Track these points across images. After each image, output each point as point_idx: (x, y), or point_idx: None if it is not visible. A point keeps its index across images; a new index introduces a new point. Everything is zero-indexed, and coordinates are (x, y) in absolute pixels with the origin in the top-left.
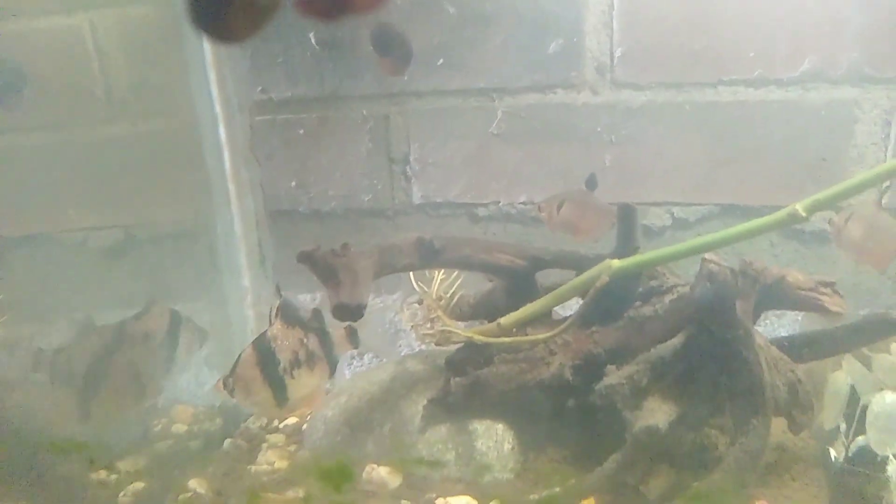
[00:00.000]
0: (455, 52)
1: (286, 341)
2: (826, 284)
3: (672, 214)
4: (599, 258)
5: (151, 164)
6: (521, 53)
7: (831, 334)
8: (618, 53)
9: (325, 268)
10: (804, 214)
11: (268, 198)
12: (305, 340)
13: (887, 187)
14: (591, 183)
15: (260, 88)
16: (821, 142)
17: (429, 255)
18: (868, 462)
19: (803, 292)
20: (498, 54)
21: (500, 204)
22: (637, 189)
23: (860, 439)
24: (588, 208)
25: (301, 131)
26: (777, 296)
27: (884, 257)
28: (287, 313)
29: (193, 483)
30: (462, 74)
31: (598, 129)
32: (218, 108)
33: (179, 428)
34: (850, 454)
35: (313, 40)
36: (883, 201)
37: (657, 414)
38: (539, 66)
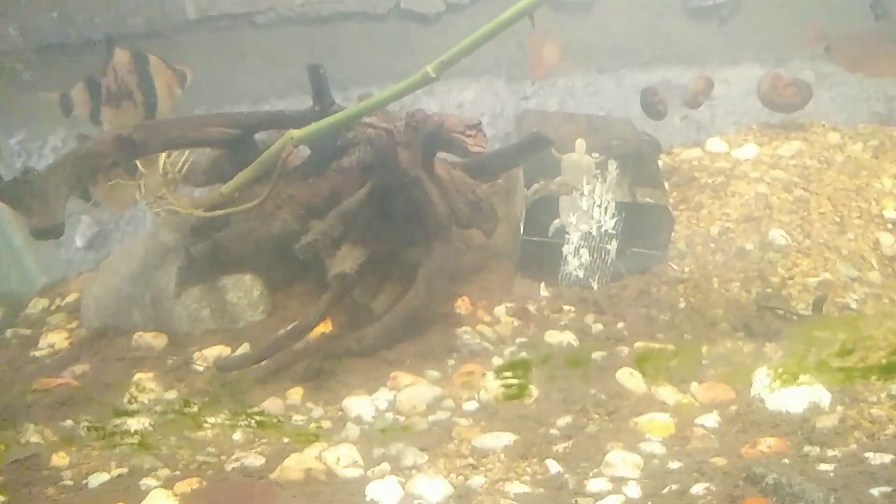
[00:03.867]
0: None
1: None
2: (472, 127)
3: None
4: (304, 117)
5: None
6: None
7: (501, 154)
8: None
9: (10, 196)
10: (434, 75)
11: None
12: None
13: None
14: (880, 8)
15: None
16: None
17: (131, 149)
18: (562, 237)
19: (455, 135)
20: None
21: (278, 9)
22: None
23: (556, 221)
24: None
25: None
26: (437, 140)
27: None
28: None
29: None
30: None
31: None
32: None
33: None
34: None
35: None
36: None
37: (347, 260)
38: None
